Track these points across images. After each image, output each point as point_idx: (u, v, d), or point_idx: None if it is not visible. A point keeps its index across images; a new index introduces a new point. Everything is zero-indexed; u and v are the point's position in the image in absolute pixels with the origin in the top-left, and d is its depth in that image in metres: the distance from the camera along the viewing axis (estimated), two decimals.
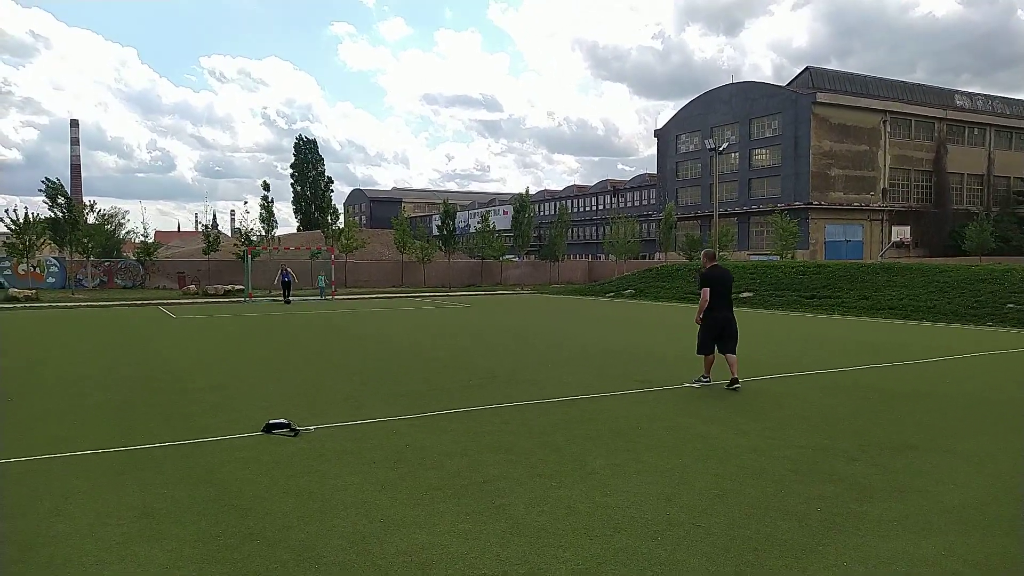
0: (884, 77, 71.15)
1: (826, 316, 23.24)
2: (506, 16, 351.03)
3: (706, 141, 55.49)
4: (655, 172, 78.69)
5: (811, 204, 59.65)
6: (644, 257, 66.50)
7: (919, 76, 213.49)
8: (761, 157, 65.36)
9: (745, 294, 29.18)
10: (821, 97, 60.75)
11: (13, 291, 34.60)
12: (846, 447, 6.69)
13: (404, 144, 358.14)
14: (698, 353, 10.09)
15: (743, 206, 65.73)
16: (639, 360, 12.78)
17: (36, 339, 17.20)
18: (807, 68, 67.70)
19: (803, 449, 6.63)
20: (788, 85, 66.54)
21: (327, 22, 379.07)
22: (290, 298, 32.86)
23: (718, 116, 68.38)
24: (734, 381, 9.64)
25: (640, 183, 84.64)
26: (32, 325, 21.07)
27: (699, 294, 10.02)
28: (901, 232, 58.97)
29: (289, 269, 34.07)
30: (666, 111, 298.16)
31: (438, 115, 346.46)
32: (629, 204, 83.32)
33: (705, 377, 10.03)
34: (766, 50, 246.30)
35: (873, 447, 6.70)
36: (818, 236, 60.24)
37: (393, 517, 4.89)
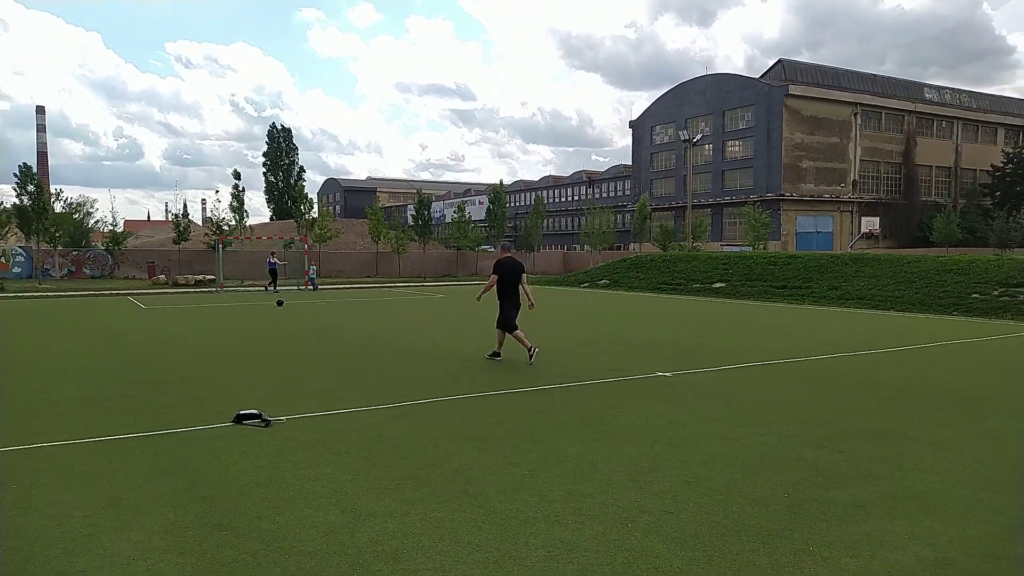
0: (855, 70, 72.09)
1: (796, 306, 23.53)
2: (477, 3, 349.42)
3: (680, 132, 55.87)
4: (630, 163, 78.98)
5: (783, 195, 60.31)
6: (619, 247, 66.80)
7: (889, 68, 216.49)
8: (734, 149, 65.91)
9: (717, 284, 29.44)
10: (793, 89, 61.33)
11: None
12: (813, 434, 6.80)
13: (377, 133, 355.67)
14: (509, 331, 11.01)
15: (716, 197, 66.30)
16: (612, 349, 12.85)
17: (1, 331, 16.85)
18: (779, 60, 68.30)
19: (771, 436, 6.72)
20: (761, 77, 67.05)
21: (295, 7, 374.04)
22: (273, 287, 32.73)
23: (692, 108, 68.75)
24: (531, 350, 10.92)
25: (615, 174, 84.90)
26: None
27: (531, 283, 11.60)
28: (870, 223, 60.03)
29: (275, 259, 34.22)
30: (640, 102, 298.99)
31: (411, 103, 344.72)
32: (605, 195, 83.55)
33: (498, 355, 11.18)
34: (739, 41, 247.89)
35: (840, 434, 6.82)
36: (789, 227, 60.97)
37: (365, 507, 4.88)
